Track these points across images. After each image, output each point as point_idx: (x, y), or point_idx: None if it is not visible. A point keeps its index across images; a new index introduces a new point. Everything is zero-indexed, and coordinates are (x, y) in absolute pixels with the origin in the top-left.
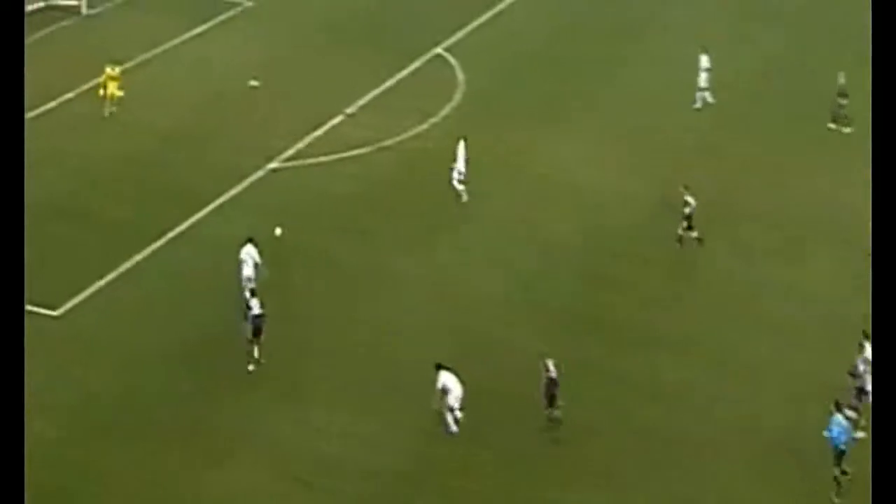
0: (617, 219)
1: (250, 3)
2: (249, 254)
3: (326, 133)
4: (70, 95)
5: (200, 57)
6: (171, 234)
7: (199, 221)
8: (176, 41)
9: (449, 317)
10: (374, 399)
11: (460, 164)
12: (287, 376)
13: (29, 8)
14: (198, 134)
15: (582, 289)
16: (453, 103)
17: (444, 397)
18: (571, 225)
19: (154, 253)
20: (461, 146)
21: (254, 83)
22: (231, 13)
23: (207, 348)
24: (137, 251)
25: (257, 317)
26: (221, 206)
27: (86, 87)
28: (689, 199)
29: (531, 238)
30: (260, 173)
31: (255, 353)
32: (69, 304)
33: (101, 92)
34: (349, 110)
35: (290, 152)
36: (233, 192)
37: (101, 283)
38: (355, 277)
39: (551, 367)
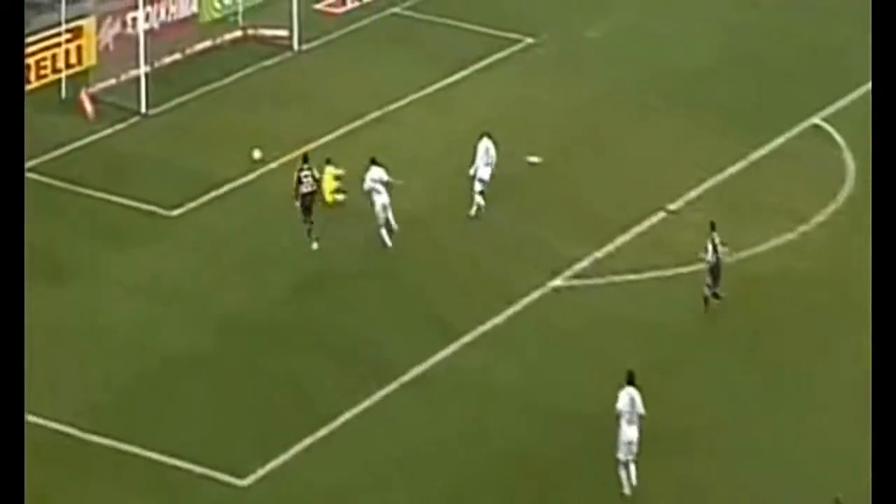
0: None
1: (532, 40)
2: (378, 178)
3: (638, 238)
4: (272, 166)
5: (453, 116)
6: (405, 378)
7: (449, 358)
8: (421, 93)
9: None
10: None
11: (482, 172)
12: None
13: (221, 38)
14: (448, 228)
15: None
16: (838, 201)
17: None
18: None
19: (384, 400)
20: (484, 144)
21: (533, 159)
22: (503, 54)
23: None
24: (358, 399)
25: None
26: (482, 336)
27: (295, 153)
28: (719, 246)
29: None
30: (537, 293)
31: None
32: (257, 474)
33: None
34: (672, 206)
35: (583, 264)
36: (496, 319)
37: (303, 444)
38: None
39: None
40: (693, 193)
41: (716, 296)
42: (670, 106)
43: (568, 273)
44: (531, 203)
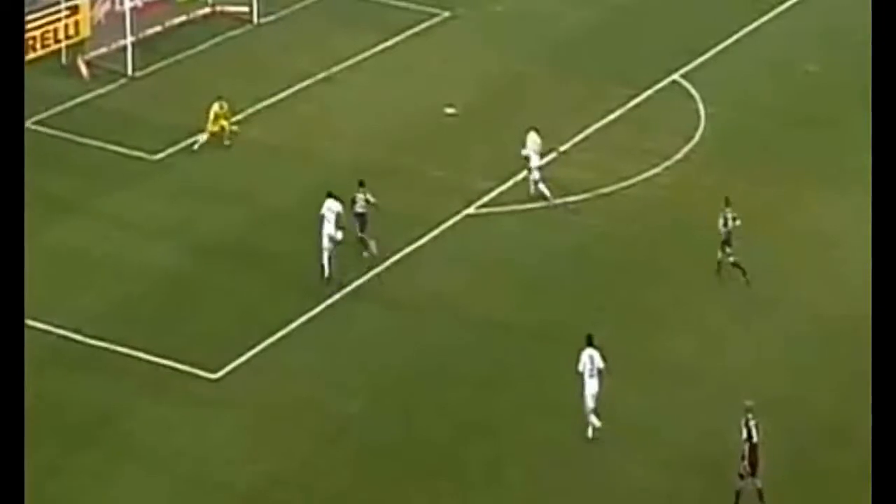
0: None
1: (449, 14)
2: (331, 208)
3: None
4: (239, 117)
5: (387, 76)
6: (347, 289)
7: (380, 274)
8: (359, 57)
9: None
10: None
11: (534, 160)
12: None
13: (193, 14)
14: (380, 170)
15: None
16: (693, 142)
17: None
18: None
19: (327, 310)
20: (532, 137)
21: (450, 111)
22: (426, 24)
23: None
24: (308, 308)
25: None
26: (407, 257)
27: (252, 109)
28: (730, 216)
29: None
30: (453, 220)
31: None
32: (227, 368)
33: (214, 128)
34: (562, 147)
35: (491, 195)
36: (420, 241)
37: (264, 344)
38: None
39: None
40: (579, 137)
41: (736, 265)
42: (558, 66)
43: (478, 202)
44: (446, 147)
